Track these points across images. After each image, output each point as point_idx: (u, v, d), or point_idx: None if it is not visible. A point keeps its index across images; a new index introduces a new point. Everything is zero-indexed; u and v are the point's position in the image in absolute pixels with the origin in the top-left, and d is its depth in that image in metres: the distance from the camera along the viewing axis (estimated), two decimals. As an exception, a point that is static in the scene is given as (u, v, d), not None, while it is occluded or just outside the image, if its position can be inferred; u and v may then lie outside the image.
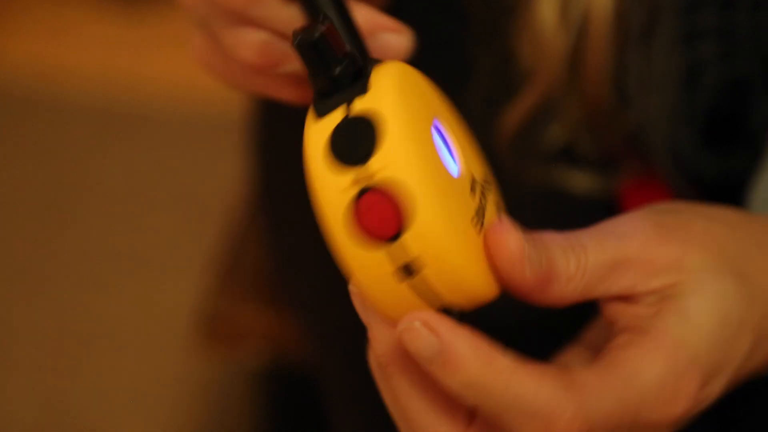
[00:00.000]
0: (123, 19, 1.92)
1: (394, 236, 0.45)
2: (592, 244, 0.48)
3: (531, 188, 0.69)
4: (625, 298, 0.49)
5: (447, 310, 0.47)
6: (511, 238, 0.47)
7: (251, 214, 1.06)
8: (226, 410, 1.37)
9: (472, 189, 0.49)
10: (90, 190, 1.66)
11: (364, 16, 0.53)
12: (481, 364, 0.46)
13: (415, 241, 0.45)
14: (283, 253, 0.80)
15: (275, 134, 0.82)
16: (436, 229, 0.45)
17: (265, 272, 1.03)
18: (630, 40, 0.67)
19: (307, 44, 0.47)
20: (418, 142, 0.46)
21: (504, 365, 0.46)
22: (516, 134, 0.68)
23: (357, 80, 0.47)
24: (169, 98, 1.79)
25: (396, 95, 0.46)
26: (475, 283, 0.47)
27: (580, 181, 0.70)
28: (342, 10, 0.51)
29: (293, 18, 0.53)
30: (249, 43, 0.53)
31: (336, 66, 0.47)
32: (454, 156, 0.49)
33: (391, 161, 0.45)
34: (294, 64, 0.54)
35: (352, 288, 0.48)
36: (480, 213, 0.48)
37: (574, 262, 0.48)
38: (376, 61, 0.48)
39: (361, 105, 0.46)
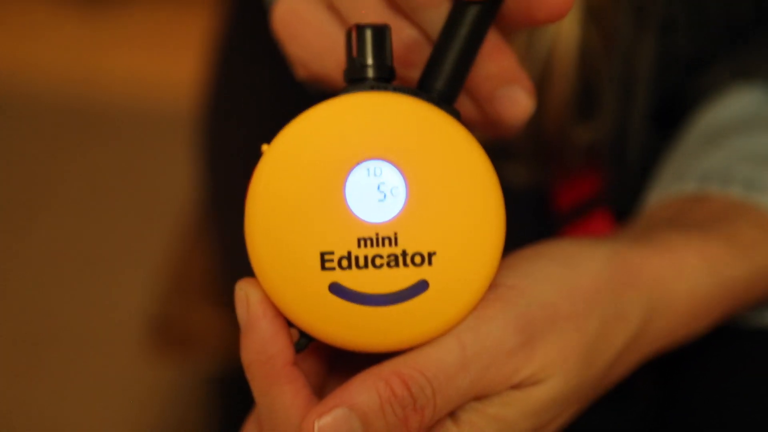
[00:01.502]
0: (88, 18, 1.92)
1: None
2: (443, 383, 0.50)
3: None
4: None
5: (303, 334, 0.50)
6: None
7: (203, 216, 1.05)
8: (180, 414, 1.37)
9: (371, 242, 0.50)
10: (49, 190, 1.66)
11: (504, 64, 0.54)
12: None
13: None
14: (234, 257, 0.81)
15: (222, 137, 0.83)
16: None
17: (217, 276, 1.03)
18: (616, 47, 0.69)
19: (369, 27, 0.50)
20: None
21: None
22: None
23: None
24: (132, 97, 1.78)
25: (290, 132, 0.49)
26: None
27: (510, 173, 0.72)
28: (466, 47, 0.52)
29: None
30: None
31: (368, 64, 0.50)
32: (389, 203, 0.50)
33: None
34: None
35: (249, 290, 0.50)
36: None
37: (416, 419, 0.50)
38: (454, 111, 0.51)
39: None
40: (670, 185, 0.65)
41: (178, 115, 1.40)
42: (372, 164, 0.49)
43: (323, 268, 0.49)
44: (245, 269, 0.50)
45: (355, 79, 0.51)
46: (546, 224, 0.72)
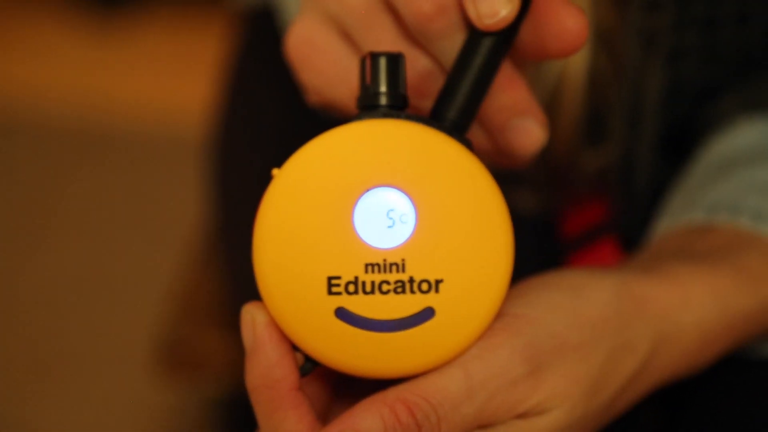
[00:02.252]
0: (99, 41, 1.93)
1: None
2: (448, 411, 0.50)
3: None
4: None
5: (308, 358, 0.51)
6: None
7: (212, 240, 1.05)
8: None
9: (379, 268, 0.50)
10: (58, 213, 1.66)
11: (517, 95, 0.54)
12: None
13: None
14: (242, 281, 0.80)
15: (233, 161, 0.83)
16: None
17: (225, 299, 1.03)
18: (624, 73, 0.69)
19: (383, 55, 0.51)
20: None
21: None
22: None
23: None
24: (142, 121, 1.78)
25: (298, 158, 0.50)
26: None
27: (520, 200, 0.72)
28: (479, 77, 0.52)
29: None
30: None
31: (380, 93, 0.51)
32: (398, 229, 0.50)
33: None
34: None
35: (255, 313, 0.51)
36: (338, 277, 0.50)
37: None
38: (466, 140, 0.51)
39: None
40: (679, 215, 0.65)
41: (188, 139, 1.39)
42: (382, 191, 0.49)
43: (330, 292, 0.49)
44: (253, 293, 0.51)
45: (367, 106, 0.51)
46: (552, 251, 0.72)
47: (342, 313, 0.49)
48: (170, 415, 1.38)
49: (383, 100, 0.51)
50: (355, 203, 0.49)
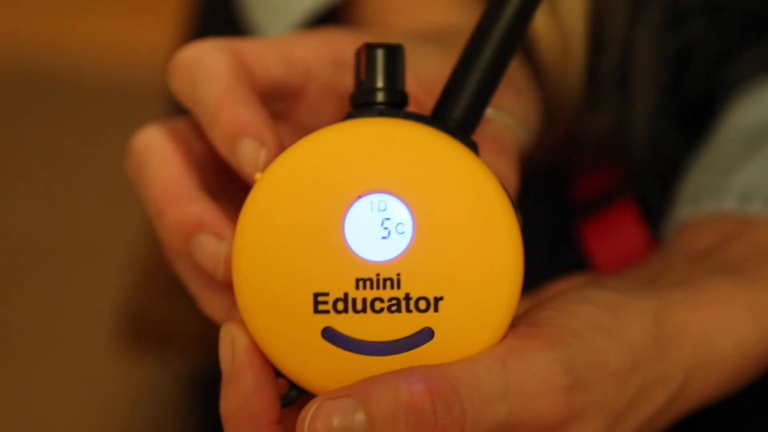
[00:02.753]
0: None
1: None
2: (478, 406, 0.47)
3: None
4: None
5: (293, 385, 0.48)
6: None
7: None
8: (155, 415, 1.35)
9: (369, 285, 0.48)
10: (6, 171, 1.62)
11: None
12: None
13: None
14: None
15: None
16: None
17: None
18: (610, 38, 0.68)
19: (377, 46, 0.49)
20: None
21: None
22: None
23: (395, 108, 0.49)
24: (96, 65, 1.75)
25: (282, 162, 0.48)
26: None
27: (530, 166, 0.69)
28: (489, 72, 0.50)
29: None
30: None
31: (376, 89, 0.49)
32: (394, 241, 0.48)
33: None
34: None
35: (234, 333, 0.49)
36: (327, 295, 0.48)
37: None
38: (471, 143, 0.49)
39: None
40: (705, 201, 0.64)
41: (151, 86, 1.38)
42: (376, 197, 0.47)
43: (316, 310, 0.47)
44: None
45: (362, 104, 0.49)
46: (564, 216, 0.70)
47: (329, 334, 0.47)
48: (137, 392, 1.36)
49: (379, 97, 0.49)
50: (346, 211, 0.47)
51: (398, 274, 0.47)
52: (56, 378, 1.38)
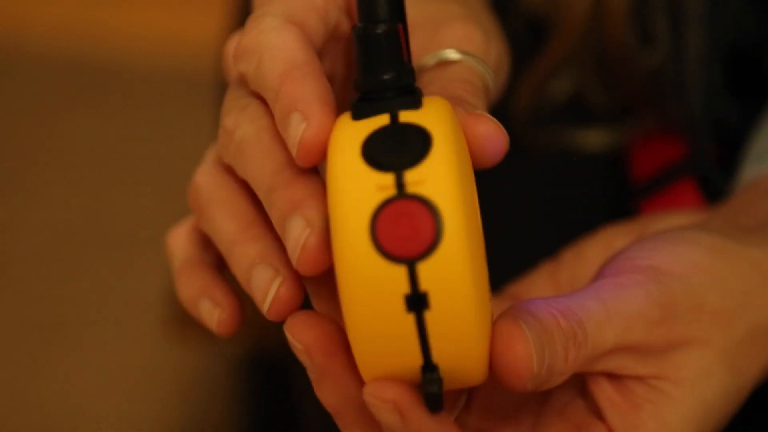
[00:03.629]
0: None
1: (420, 255, 0.43)
2: (593, 329, 0.48)
3: (540, 149, 0.69)
4: (610, 377, 0.50)
5: (430, 376, 0.44)
6: (521, 347, 0.46)
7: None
8: (205, 398, 1.36)
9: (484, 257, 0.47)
10: (54, 158, 1.63)
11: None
12: None
13: (436, 269, 0.43)
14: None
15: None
16: (463, 261, 0.43)
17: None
18: None
19: (368, 37, 0.46)
20: (463, 175, 0.44)
21: None
22: (534, 95, 0.68)
23: (407, 95, 0.46)
24: (145, 53, 1.75)
25: (452, 122, 0.45)
26: (474, 353, 0.44)
27: (588, 138, 0.70)
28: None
29: None
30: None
31: (391, 71, 0.46)
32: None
33: (433, 177, 0.43)
34: None
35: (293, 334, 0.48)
36: (488, 284, 0.47)
37: (572, 355, 0.47)
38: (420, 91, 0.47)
39: (410, 118, 0.44)
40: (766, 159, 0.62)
41: (199, 76, 1.38)
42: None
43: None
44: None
45: (365, 96, 0.46)
46: (624, 195, 0.69)
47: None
48: (187, 375, 1.37)
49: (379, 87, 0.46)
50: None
51: None
52: (105, 363, 1.40)
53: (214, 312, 0.52)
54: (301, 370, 0.50)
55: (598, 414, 0.50)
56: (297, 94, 0.47)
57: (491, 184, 0.54)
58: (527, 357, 0.45)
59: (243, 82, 0.51)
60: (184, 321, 1.04)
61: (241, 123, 0.50)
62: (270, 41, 0.48)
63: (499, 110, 0.51)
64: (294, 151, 0.46)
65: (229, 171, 0.52)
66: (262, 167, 0.48)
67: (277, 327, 0.99)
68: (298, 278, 0.48)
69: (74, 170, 1.62)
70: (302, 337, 0.47)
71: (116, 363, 1.39)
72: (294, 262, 0.46)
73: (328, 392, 0.47)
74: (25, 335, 1.43)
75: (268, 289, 0.48)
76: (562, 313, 0.47)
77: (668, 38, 0.67)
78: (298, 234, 0.46)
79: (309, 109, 0.46)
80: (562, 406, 0.51)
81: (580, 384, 0.51)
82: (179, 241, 0.55)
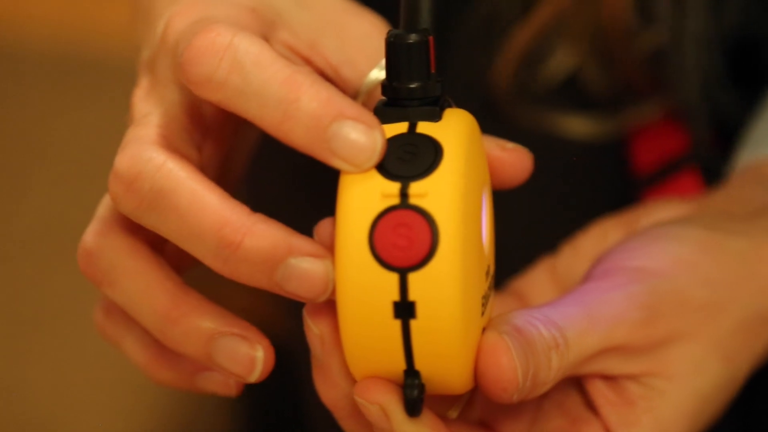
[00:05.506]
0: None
1: (413, 266, 0.44)
2: (575, 336, 0.48)
3: (530, 131, 0.68)
4: (604, 376, 0.50)
5: (411, 380, 0.46)
6: (505, 361, 0.46)
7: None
8: (201, 405, 1.36)
9: (487, 273, 0.48)
10: (50, 152, 1.63)
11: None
12: None
13: (425, 282, 0.44)
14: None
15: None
16: (453, 278, 0.44)
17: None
18: None
19: (400, 45, 0.46)
20: (469, 192, 0.45)
21: None
22: (519, 64, 0.67)
23: (430, 106, 0.47)
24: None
25: (467, 139, 0.46)
26: (456, 366, 0.46)
27: (583, 125, 0.70)
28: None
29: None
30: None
31: (417, 80, 0.47)
32: (483, 233, 0.48)
33: (437, 191, 0.44)
34: None
35: (311, 328, 0.47)
36: (485, 299, 0.48)
37: (556, 364, 0.48)
38: (449, 103, 0.48)
39: (427, 130, 0.46)
40: (763, 144, 0.63)
41: None
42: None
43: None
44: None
45: (391, 101, 0.47)
46: (627, 185, 0.69)
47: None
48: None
49: (405, 94, 0.47)
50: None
51: None
52: (99, 353, 1.36)
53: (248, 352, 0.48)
54: (306, 361, 0.50)
55: (594, 409, 0.50)
56: (332, 100, 0.45)
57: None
58: (512, 371, 0.46)
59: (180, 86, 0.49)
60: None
61: (146, 168, 0.46)
62: (243, 45, 0.46)
63: (483, 82, 0.52)
64: (369, 161, 0.45)
65: (131, 228, 0.49)
66: (207, 216, 0.45)
67: (278, 319, 0.98)
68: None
69: (70, 164, 1.62)
70: (320, 323, 0.47)
71: (104, 355, 1.35)
72: (323, 299, 0.46)
73: (324, 387, 0.48)
74: (10, 330, 1.43)
75: (253, 362, 0.47)
76: (544, 323, 0.47)
77: (669, 19, 0.67)
78: (321, 272, 0.45)
79: (364, 115, 0.45)
80: (560, 401, 0.51)
81: (577, 380, 0.51)
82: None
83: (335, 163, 0.45)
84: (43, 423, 1.35)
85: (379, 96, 0.48)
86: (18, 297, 1.47)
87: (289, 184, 0.76)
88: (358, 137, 0.45)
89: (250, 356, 0.47)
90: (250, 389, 1.18)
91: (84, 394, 1.37)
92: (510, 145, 0.51)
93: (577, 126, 0.69)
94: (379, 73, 0.50)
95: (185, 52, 0.46)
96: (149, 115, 0.48)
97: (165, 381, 0.51)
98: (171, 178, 0.45)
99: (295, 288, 0.45)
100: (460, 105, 0.49)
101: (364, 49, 0.51)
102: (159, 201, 0.45)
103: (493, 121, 0.52)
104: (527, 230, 0.67)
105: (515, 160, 0.50)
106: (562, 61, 0.69)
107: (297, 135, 0.45)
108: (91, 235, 0.49)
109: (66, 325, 1.43)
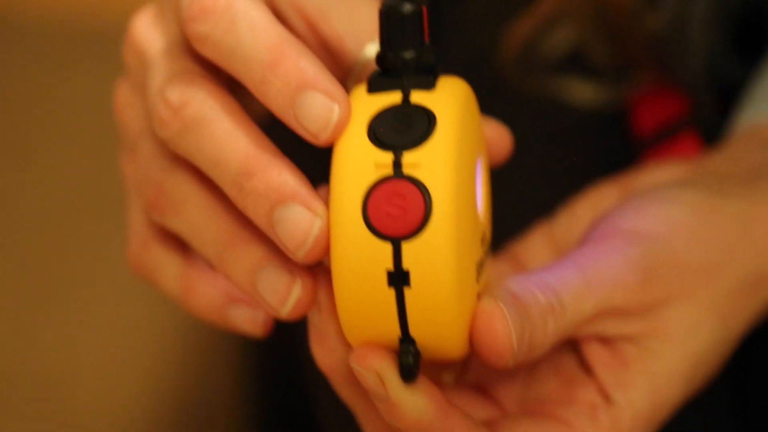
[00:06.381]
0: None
1: (406, 235, 0.45)
2: (571, 300, 0.49)
3: (534, 98, 0.70)
4: (600, 337, 0.51)
5: (406, 348, 0.46)
6: (500, 327, 0.47)
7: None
8: (208, 370, 1.37)
9: (482, 240, 0.49)
10: (52, 120, 1.63)
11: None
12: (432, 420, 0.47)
13: (419, 251, 0.45)
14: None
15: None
16: (446, 247, 0.45)
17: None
18: None
19: (395, 15, 0.47)
20: (462, 160, 0.46)
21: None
22: (525, 40, 0.68)
23: (424, 75, 0.47)
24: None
25: (460, 108, 0.46)
26: (450, 333, 0.46)
27: (586, 92, 0.71)
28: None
29: None
30: None
31: (411, 50, 0.47)
32: (479, 201, 0.49)
33: (430, 161, 0.45)
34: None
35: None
36: (480, 266, 0.48)
37: (552, 328, 0.48)
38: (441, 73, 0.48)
39: (421, 99, 0.46)
40: (763, 106, 0.63)
41: None
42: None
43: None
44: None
45: (384, 71, 0.48)
46: (627, 150, 0.70)
47: None
48: (191, 346, 1.38)
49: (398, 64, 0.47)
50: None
51: None
52: (112, 327, 1.39)
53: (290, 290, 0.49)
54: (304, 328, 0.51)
55: (589, 371, 0.51)
56: (307, 71, 0.46)
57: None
58: (507, 337, 0.46)
59: (186, 48, 0.50)
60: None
61: (194, 98, 0.48)
62: (242, 9, 0.47)
63: (489, 55, 0.53)
64: (323, 133, 0.46)
65: (182, 161, 0.50)
66: (231, 150, 0.47)
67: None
68: (311, 274, 0.48)
69: (73, 132, 1.62)
70: (317, 291, 0.48)
71: (117, 331, 1.40)
72: (301, 254, 0.46)
73: (321, 353, 0.49)
74: (21, 296, 1.44)
75: (288, 294, 0.48)
76: (540, 287, 0.48)
77: (674, 1, 0.68)
78: (307, 224, 0.46)
79: (332, 89, 0.46)
80: (555, 363, 0.52)
81: (571, 342, 0.52)
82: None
83: (298, 131, 0.46)
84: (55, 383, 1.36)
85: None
86: (25, 268, 1.47)
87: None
88: (315, 108, 0.46)
89: (285, 290, 0.48)
90: (255, 354, 1.17)
91: (91, 361, 1.37)
92: (491, 122, 0.52)
93: (580, 92, 0.70)
94: (376, 48, 0.51)
95: (189, 8, 0.48)
96: (173, 45, 0.51)
97: (198, 310, 0.53)
98: (214, 108, 0.47)
99: (281, 233, 0.46)
100: (466, 73, 0.49)
101: (371, 28, 0.51)
102: (199, 128, 0.47)
103: (497, 88, 0.54)
104: (528, 195, 0.67)
105: (495, 138, 0.52)
106: (566, 36, 0.70)
107: (271, 99, 0.47)
108: (157, 171, 0.51)
109: (74, 289, 1.44)
